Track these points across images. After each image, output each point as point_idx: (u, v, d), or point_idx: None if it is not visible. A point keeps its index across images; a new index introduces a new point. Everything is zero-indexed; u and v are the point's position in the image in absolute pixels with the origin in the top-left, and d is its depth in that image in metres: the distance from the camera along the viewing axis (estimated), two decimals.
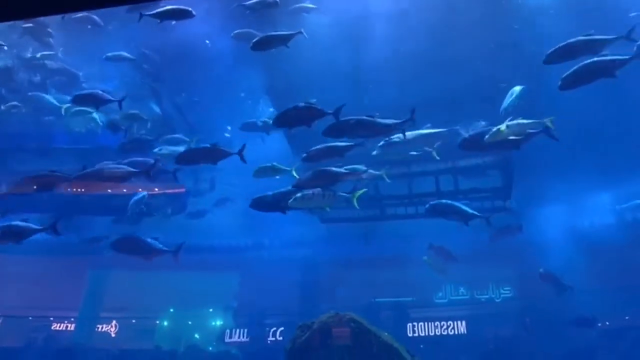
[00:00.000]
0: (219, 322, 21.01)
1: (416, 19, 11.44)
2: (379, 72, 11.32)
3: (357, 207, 9.49)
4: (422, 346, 18.79)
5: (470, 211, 10.39)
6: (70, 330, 20.35)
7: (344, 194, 9.54)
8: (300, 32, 9.36)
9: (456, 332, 19.52)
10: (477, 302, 20.47)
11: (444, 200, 11.18)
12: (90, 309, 21.07)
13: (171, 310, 21.33)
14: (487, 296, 20.44)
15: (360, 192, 9.94)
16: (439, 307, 20.65)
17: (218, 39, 13.14)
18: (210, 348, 20.32)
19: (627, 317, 17.91)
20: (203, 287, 20.17)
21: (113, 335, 20.29)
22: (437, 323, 19.76)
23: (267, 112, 15.40)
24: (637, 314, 17.41)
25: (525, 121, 9.08)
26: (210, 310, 21.45)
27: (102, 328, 20.47)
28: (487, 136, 9.19)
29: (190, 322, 21.12)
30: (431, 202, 10.99)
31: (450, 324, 19.69)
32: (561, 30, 9.70)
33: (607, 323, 18.17)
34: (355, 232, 17.76)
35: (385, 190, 15.09)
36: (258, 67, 13.77)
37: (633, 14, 10.25)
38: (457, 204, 10.66)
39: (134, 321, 21.18)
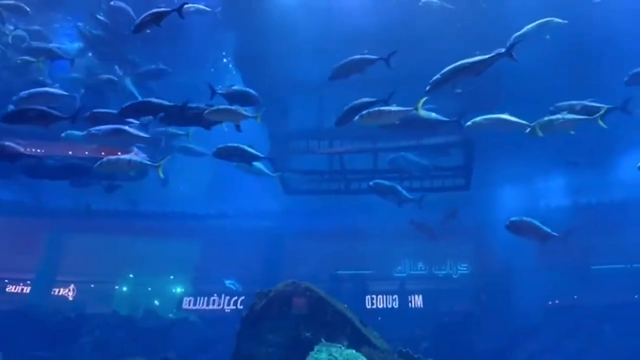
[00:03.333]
0: (179, 289, 21.01)
1: None
2: (347, 45, 11.24)
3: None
4: (379, 318, 19.29)
5: (405, 194, 10.70)
6: (26, 293, 20.04)
7: None
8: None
9: (413, 306, 20.06)
10: (435, 277, 20.98)
11: (384, 181, 11.43)
12: (47, 272, 20.74)
13: (131, 275, 21.21)
14: (444, 272, 20.95)
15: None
16: (398, 281, 21.12)
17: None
18: (170, 315, 20.32)
19: (575, 297, 18.70)
20: (164, 253, 20.09)
21: (70, 298, 20.10)
22: (395, 296, 20.25)
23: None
24: (584, 293, 18.21)
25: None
26: (171, 277, 21.41)
27: (59, 291, 20.23)
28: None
29: (149, 289, 21.05)
30: (374, 181, 11.20)
31: (408, 298, 20.22)
32: (527, 10, 9.84)
33: (557, 301, 18.95)
34: (316, 204, 17.87)
35: (350, 165, 15.18)
36: (227, 39, 13.53)
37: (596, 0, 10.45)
38: (396, 186, 10.94)
39: (92, 285, 20.99)
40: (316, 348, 8.55)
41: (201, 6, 11.11)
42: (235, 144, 10.46)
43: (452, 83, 7.92)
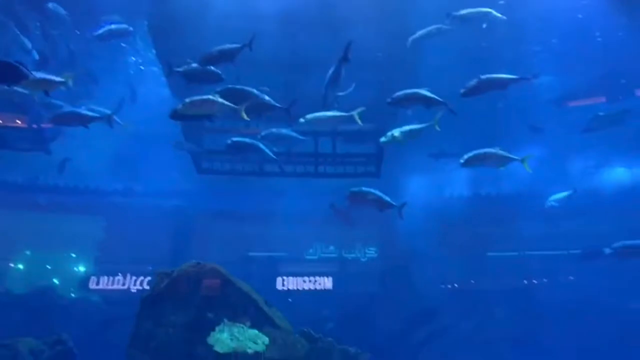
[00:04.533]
0: (81, 268, 20.07)
1: None
2: (266, 23, 11.16)
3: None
4: (290, 300, 19.58)
5: (387, 199, 10.73)
6: None
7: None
8: None
9: (323, 288, 20.52)
10: (344, 261, 21.53)
11: (364, 188, 11.30)
12: None
13: (27, 252, 19.93)
14: (354, 255, 21.55)
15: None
16: (308, 263, 21.47)
17: None
18: (72, 294, 19.39)
19: (472, 281, 19.97)
20: (65, 230, 19.07)
21: None
22: (305, 278, 20.60)
23: (149, 54, 14.60)
24: (479, 278, 19.50)
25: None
26: (73, 255, 20.39)
27: None
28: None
29: (48, 267, 19.91)
30: (351, 190, 11.00)
31: (317, 280, 20.63)
32: None
33: (456, 285, 20.15)
34: (228, 185, 17.68)
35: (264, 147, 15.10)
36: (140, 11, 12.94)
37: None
38: (376, 192, 10.93)
39: None
40: (218, 328, 8.58)
41: None
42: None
43: None
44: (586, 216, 16.15)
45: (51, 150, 15.95)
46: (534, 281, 19.56)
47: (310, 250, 21.79)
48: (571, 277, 18.70)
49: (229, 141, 11.10)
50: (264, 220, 19.96)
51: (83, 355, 10.95)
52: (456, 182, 18.71)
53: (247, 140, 11.32)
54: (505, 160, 9.50)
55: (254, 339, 8.46)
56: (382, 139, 10.03)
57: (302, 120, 10.07)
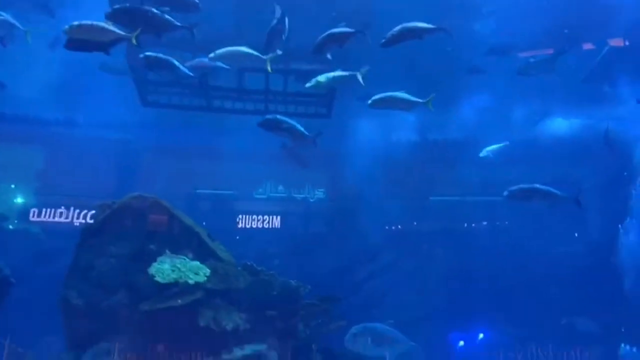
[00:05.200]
0: (20, 200, 19.41)
1: None
2: None
3: None
4: (237, 237, 19.77)
5: (300, 129, 10.79)
6: None
7: None
8: None
9: (271, 226, 20.78)
10: (293, 200, 21.76)
11: (278, 116, 11.24)
12: None
13: None
14: (302, 196, 21.78)
15: None
16: (257, 202, 21.57)
17: None
18: (10, 226, 18.84)
19: (414, 223, 20.70)
20: (2, 160, 18.27)
21: None
22: (254, 217, 20.77)
23: None
24: (421, 221, 20.25)
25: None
26: (12, 186, 19.64)
27: None
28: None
29: None
30: (266, 117, 10.97)
31: (266, 218, 20.85)
32: None
33: (399, 227, 20.85)
34: (178, 119, 17.27)
35: (213, 81, 14.74)
36: None
37: None
38: (290, 121, 10.96)
39: None
40: (159, 259, 8.64)
41: None
42: None
43: None
44: (526, 164, 16.86)
45: None
46: (473, 224, 20.50)
47: (260, 190, 21.82)
48: (506, 222, 19.72)
49: (141, 55, 10.43)
50: (212, 157, 19.76)
51: (20, 285, 10.77)
52: (405, 127, 18.95)
53: (161, 56, 10.54)
54: (412, 104, 9.90)
55: (195, 270, 8.60)
56: (307, 84, 10.38)
57: (211, 55, 10.04)
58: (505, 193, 11.27)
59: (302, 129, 10.97)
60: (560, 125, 18.48)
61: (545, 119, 18.55)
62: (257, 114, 15.89)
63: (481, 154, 15.94)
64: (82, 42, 8.00)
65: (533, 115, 18.23)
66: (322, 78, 10.15)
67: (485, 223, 20.39)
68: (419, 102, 9.83)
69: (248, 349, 8.38)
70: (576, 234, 18.45)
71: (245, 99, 15.65)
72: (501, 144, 15.84)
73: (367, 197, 18.98)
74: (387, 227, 20.31)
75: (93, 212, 18.81)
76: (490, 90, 16.63)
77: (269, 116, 10.98)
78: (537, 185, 11.12)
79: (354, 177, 18.85)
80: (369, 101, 9.90)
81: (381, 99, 9.87)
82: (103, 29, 7.83)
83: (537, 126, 18.67)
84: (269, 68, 9.93)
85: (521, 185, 11.20)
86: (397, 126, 18.94)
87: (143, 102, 15.21)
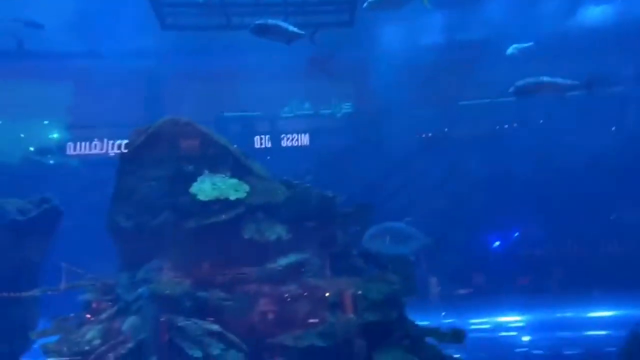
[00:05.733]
0: (55, 135, 19.90)
1: None
2: None
3: None
4: (268, 157, 20.00)
5: (291, 29, 10.54)
6: None
7: None
8: None
9: (300, 144, 20.88)
10: (320, 116, 21.68)
11: (268, 20, 10.96)
12: None
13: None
14: (330, 110, 21.65)
15: None
16: (284, 121, 21.59)
17: None
18: (50, 161, 19.49)
19: (445, 129, 20.51)
20: (34, 97, 18.54)
21: None
22: (282, 135, 20.86)
23: None
24: (452, 127, 20.01)
25: None
26: (45, 122, 20.07)
27: None
28: None
29: (22, 135, 19.71)
30: (255, 23, 10.71)
31: (294, 137, 20.92)
32: None
33: (430, 134, 20.68)
34: (197, 42, 17.00)
35: None
36: None
37: None
38: (281, 23, 10.69)
39: None
40: (199, 179, 8.86)
41: None
42: None
43: None
44: (558, 59, 16.19)
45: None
46: (506, 126, 20.16)
47: (286, 109, 21.75)
48: (541, 121, 19.31)
49: (251, 26, 10.49)
50: (236, 78, 19.58)
51: (68, 213, 11.30)
52: (431, 29, 18.24)
53: (269, 22, 10.55)
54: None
55: (235, 187, 8.82)
56: None
57: None
58: (512, 89, 10.89)
59: (294, 29, 10.70)
60: (592, 13, 17.47)
61: (575, 8, 17.52)
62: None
63: (508, 52, 15.37)
64: None
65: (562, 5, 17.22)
66: None
67: (517, 124, 20.02)
68: None
69: (292, 257, 8.72)
70: (613, 128, 18.00)
71: (264, 13, 15.19)
72: (528, 43, 15.23)
73: (395, 106, 18.73)
74: (417, 135, 20.20)
75: (126, 141, 19.55)
76: None
77: (258, 21, 10.70)
78: (544, 78, 10.70)
79: (381, 86, 18.50)
80: None
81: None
82: None
83: (568, 17, 17.69)
84: None
85: (527, 79, 10.79)
86: (423, 29, 18.24)
87: (162, 25, 14.94)
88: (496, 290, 17.48)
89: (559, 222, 17.79)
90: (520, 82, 10.79)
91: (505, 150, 18.79)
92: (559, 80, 10.55)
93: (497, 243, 19.20)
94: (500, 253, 18.91)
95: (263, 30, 10.59)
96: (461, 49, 18.76)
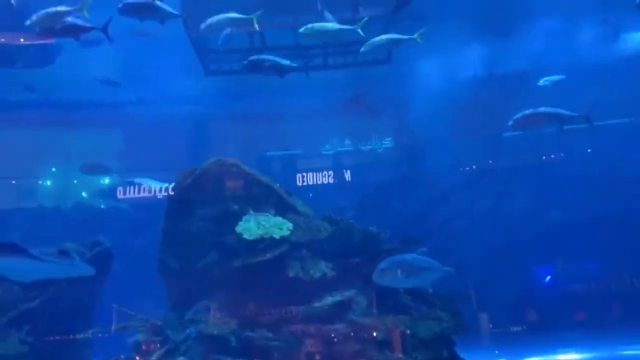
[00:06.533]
0: (106, 180, 20.72)
1: None
2: None
3: None
4: (310, 195, 20.14)
5: (285, 63, 10.86)
6: None
7: None
8: None
9: (341, 180, 21.00)
10: (361, 152, 21.78)
11: (262, 56, 11.24)
12: None
13: (53, 169, 20.56)
14: (370, 146, 21.74)
15: None
16: (325, 158, 21.80)
17: None
18: (101, 205, 20.24)
19: (489, 161, 20.18)
20: (86, 144, 19.46)
21: None
22: (324, 173, 21.04)
23: None
24: (496, 158, 19.67)
25: None
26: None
27: None
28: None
29: (75, 181, 20.61)
30: (250, 59, 11.00)
31: (336, 173, 21.06)
32: None
33: (473, 167, 20.40)
34: (241, 85, 17.54)
35: (270, 41, 14.78)
36: None
37: None
38: (275, 58, 10.94)
39: (13, 182, 20.31)
40: (244, 218, 8.96)
41: None
42: None
43: None
44: (601, 87, 15.83)
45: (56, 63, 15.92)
46: (552, 156, 19.68)
47: (327, 146, 21.99)
48: (589, 150, 18.76)
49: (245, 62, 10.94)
50: (277, 119, 20.02)
51: (119, 256, 11.60)
52: (468, 62, 18.23)
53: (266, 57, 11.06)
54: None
55: (279, 225, 8.86)
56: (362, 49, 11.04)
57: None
58: (510, 123, 10.58)
59: (287, 62, 10.90)
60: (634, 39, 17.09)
61: (618, 35, 17.19)
62: (317, 69, 15.91)
63: (539, 83, 15.16)
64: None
65: (605, 33, 16.93)
66: (378, 40, 10.24)
67: (564, 154, 19.48)
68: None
69: (338, 295, 8.60)
70: None
71: (303, 55, 15.58)
72: (559, 77, 15.02)
73: (436, 140, 18.63)
74: (460, 169, 19.94)
75: (173, 184, 20.10)
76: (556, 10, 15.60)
77: (252, 57, 10.94)
78: (543, 109, 10.36)
79: (421, 121, 18.49)
80: None
81: None
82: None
83: (610, 44, 17.36)
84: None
85: (525, 112, 10.48)
86: (460, 63, 18.26)
87: (206, 71, 15.52)
88: (551, 326, 16.72)
89: (615, 253, 16.99)
90: (517, 116, 10.53)
91: (555, 180, 18.27)
92: (559, 111, 10.26)
93: (549, 277, 18.47)
94: (555, 287, 18.14)
95: (257, 66, 10.87)
96: (502, 80, 18.62)
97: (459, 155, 19.45)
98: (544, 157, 19.89)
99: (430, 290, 8.61)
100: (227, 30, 12.56)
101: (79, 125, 19.61)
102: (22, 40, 16.12)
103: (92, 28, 9.94)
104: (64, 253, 6.04)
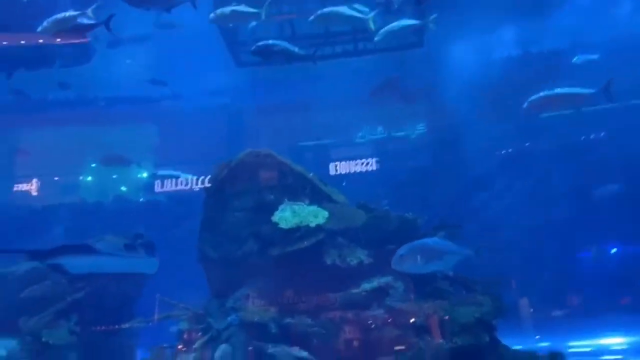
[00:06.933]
0: (144, 174, 21.19)
1: None
2: None
3: None
4: (344, 184, 20.13)
5: (295, 50, 10.90)
6: None
7: None
8: None
9: (375, 168, 20.87)
10: (394, 139, 21.58)
11: (269, 41, 11.18)
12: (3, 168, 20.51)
13: (93, 165, 21.16)
14: (403, 133, 21.53)
15: None
16: (359, 146, 21.70)
17: None
18: (140, 199, 20.73)
19: (527, 143, 19.70)
20: (123, 140, 19.94)
21: (35, 193, 20.14)
22: (357, 161, 20.95)
23: None
24: (533, 140, 19.16)
25: None
26: (135, 163, 21.42)
27: (20, 187, 20.18)
28: None
29: (115, 176, 21.17)
30: (257, 44, 10.97)
31: (369, 161, 20.94)
32: None
33: (510, 150, 19.94)
34: (272, 75, 17.60)
35: (300, 30, 14.76)
36: None
37: None
38: (284, 44, 10.91)
39: (56, 178, 21.01)
40: (280, 207, 9.05)
41: None
42: None
43: None
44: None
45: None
46: (591, 137, 19.08)
47: (360, 134, 21.87)
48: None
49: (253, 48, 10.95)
50: (309, 108, 20.02)
51: (159, 247, 11.87)
52: (503, 43, 17.79)
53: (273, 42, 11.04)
54: None
55: (314, 214, 8.91)
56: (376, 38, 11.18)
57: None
58: (525, 105, 10.21)
59: (295, 49, 10.93)
60: None
61: None
62: (347, 56, 15.82)
63: (574, 60, 14.69)
64: None
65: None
66: (390, 28, 10.14)
67: (605, 133, 18.84)
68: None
69: (375, 282, 8.63)
70: None
71: (333, 42, 15.52)
72: (594, 55, 14.51)
73: (471, 124, 18.29)
74: (497, 152, 19.55)
75: (209, 176, 20.42)
76: None
77: (259, 43, 10.89)
78: (558, 90, 9.95)
79: (455, 104, 18.18)
80: None
81: None
82: None
83: None
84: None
85: (541, 94, 10.09)
86: (494, 44, 17.83)
87: (237, 62, 15.62)
88: (595, 310, 16.32)
89: None
90: (533, 97, 10.23)
91: (596, 161, 17.73)
92: (575, 90, 9.88)
93: (592, 260, 18.00)
94: (598, 270, 17.67)
95: (265, 52, 10.88)
96: (538, 60, 18.09)
97: (495, 138, 19.03)
98: (582, 138, 19.30)
99: (451, 274, 8.55)
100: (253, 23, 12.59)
101: (117, 122, 20.10)
102: (58, 40, 16.56)
103: (95, 25, 10.17)
104: (129, 247, 6.21)
